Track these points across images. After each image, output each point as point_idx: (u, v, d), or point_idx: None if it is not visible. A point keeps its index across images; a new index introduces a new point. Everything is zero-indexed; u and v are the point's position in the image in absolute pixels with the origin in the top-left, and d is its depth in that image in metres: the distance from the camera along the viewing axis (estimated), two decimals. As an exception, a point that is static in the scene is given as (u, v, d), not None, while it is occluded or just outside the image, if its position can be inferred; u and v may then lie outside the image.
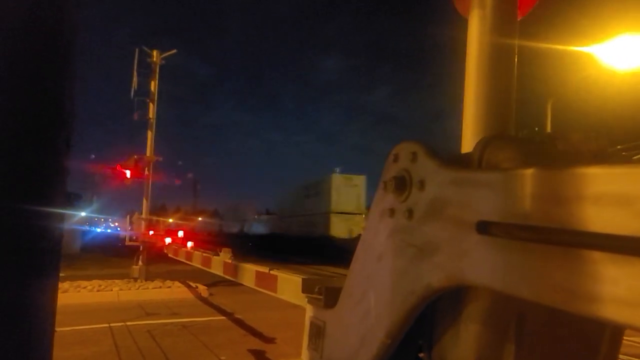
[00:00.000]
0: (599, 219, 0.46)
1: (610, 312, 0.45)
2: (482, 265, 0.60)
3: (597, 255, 0.46)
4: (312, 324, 1.09)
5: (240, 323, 9.15)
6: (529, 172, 0.55)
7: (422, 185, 0.74)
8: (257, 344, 7.58)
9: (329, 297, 1.03)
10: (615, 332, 0.77)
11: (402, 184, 0.77)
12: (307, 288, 1.11)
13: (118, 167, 14.92)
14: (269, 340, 7.82)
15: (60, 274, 0.86)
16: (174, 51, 16.53)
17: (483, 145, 0.73)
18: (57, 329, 0.84)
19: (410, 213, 0.75)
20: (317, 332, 1.05)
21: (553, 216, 0.51)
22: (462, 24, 1.12)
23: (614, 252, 0.44)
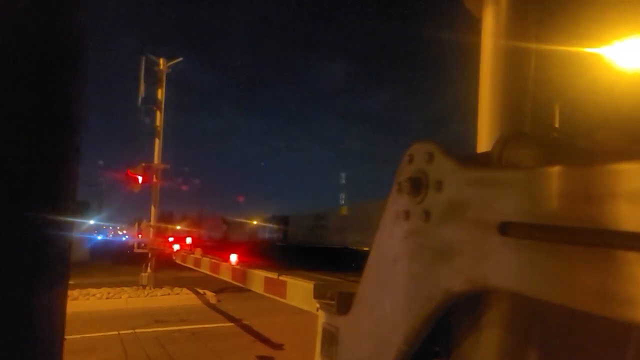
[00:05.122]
0: (634, 217, 0.43)
1: None
2: (505, 269, 0.57)
3: (632, 255, 0.43)
4: (324, 330, 1.06)
5: (248, 329, 9.12)
6: (555, 169, 0.52)
7: (439, 186, 0.71)
8: (265, 351, 7.55)
9: (341, 302, 1.00)
10: (642, 337, 0.74)
11: (417, 185, 0.75)
12: (318, 293, 1.09)
13: (129, 172, 14.94)
14: (277, 347, 7.79)
15: (70, 282, 0.85)
16: (180, 59, 16.61)
17: (502, 143, 0.70)
18: (67, 336, 0.83)
19: (427, 215, 0.73)
20: (330, 339, 1.03)
21: (582, 216, 0.48)
22: (469, 27, 1.10)
23: None
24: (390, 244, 0.83)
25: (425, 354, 0.84)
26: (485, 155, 0.73)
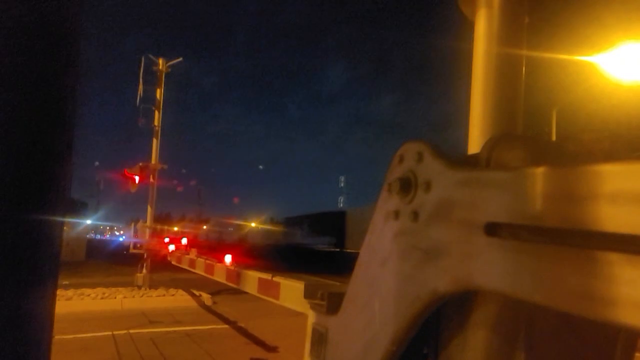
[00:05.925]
0: (615, 218, 0.44)
1: (628, 316, 0.42)
2: (491, 269, 0.58)
3: (613, 256, 0.44)
4: (314, 330, 1.06)
5: (243, 331, 9.10)
6: (540, 170, 0.53)
7: (427, 186, 0.71)
8: (259, 353, 7.54)
9: (331, 302, 1.00)
10: (629, 339, 0.75)
11: (407, 185, 0.75)
12: (309, 293, 1.09)
13: (125, 172, 14.93)
14: (272, 349, 7.78)
15: (65, 282, 0.84)
16: (180, 59, 16.60)
17: (491, 145, 0.71)
18: (61, 336, 0.83)
19: (415, 215, 0.73)
20: (320, 339, 1.03)
21: (566, 217, 0.49)
22: (466, 32, 1.10)
23: (632, 253, 0.42)
24: (380, 244, 0.83)
25: (414, 356, 0.84)
26: (475, 156, 0.74)
